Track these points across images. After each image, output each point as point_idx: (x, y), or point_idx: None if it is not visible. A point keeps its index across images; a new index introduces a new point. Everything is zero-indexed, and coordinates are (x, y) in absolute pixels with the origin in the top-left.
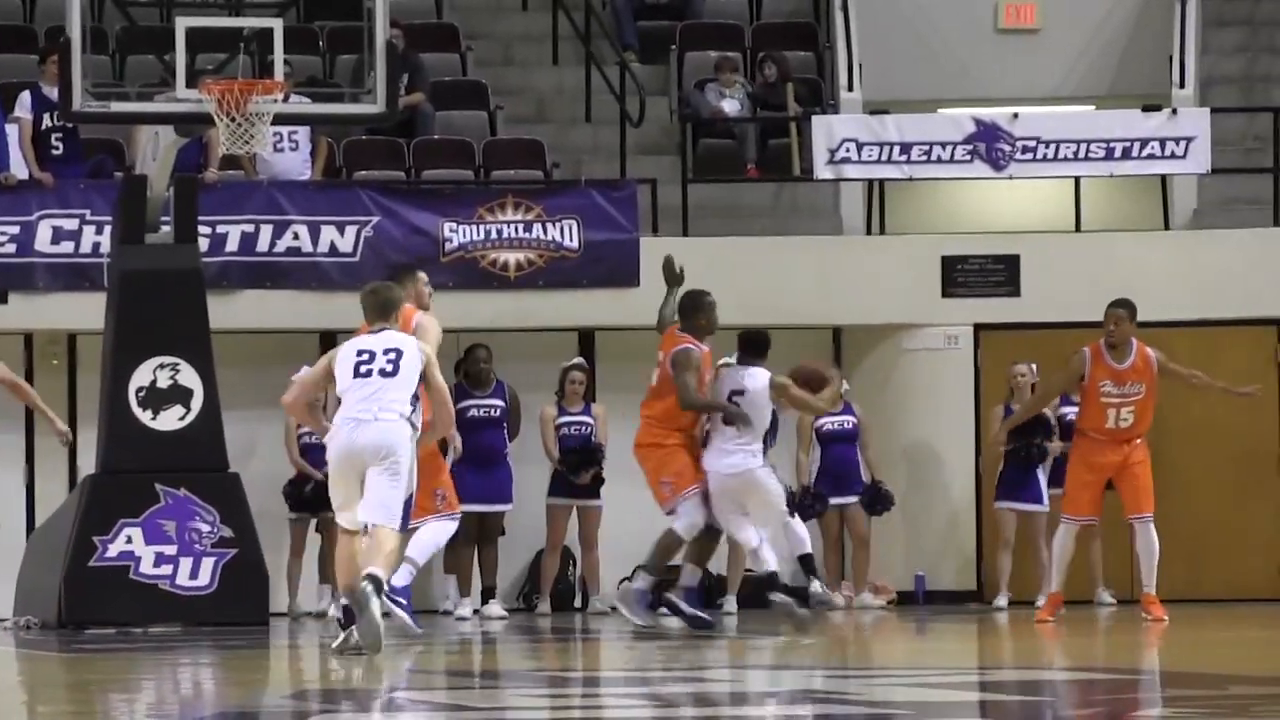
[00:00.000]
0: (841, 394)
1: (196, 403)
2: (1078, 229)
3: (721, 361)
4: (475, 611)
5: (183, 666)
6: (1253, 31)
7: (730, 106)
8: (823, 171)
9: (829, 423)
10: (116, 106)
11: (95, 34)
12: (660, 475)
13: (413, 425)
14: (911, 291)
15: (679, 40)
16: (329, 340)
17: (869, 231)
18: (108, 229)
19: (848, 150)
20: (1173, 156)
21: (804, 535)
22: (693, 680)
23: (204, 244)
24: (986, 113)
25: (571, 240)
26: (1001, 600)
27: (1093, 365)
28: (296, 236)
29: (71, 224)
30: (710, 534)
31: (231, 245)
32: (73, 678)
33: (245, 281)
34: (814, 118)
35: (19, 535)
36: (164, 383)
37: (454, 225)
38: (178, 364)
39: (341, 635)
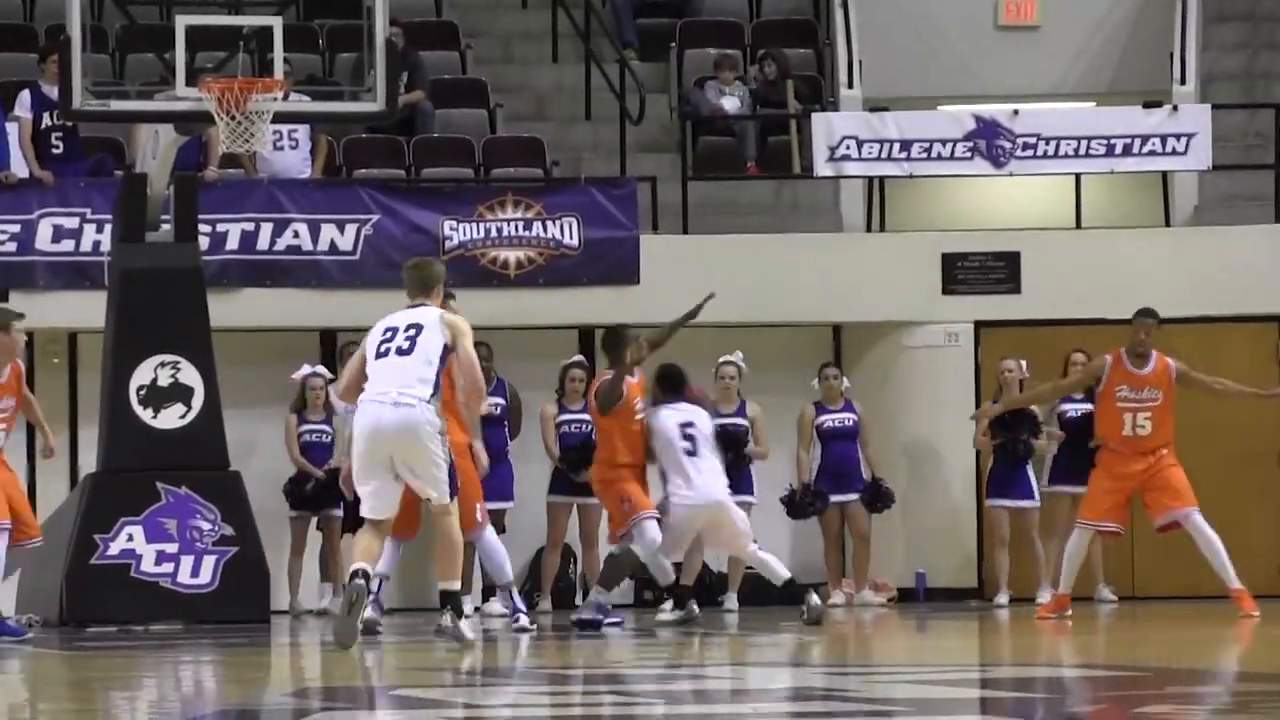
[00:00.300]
0: (843, 391)
1: (197, 401)
2: (1078, 226)
3: (640, 408)
4: (476, 609)
5: (184, 664)
6: (1253, 27)
7: (730, 104)
8: (823, 169)
9: (830, 420)
10: (116, 105)
11: (95, 32)
12: (618, 497)
13: (433, 408)
14: (912, 289)
15: (679, 38)
16: (329, 338)
17: (869, 229)
18: (108, 227)
19: (848, 147)
20: (1173, 153)
21: (775, 562)
22: (694, 678)
23: (204, 242)
24: (987, 110)
25: (571, 238)
26: (1002, 597)
27: (1112, 370)
28: (297, 235)
29: (72, 223)
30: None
31: (232, 244)
32: (74, 675)
33: (245, 280)
34: (814, 115)
35: None
36: (165, 381)
37: (454, 223)
38: (178, 362)
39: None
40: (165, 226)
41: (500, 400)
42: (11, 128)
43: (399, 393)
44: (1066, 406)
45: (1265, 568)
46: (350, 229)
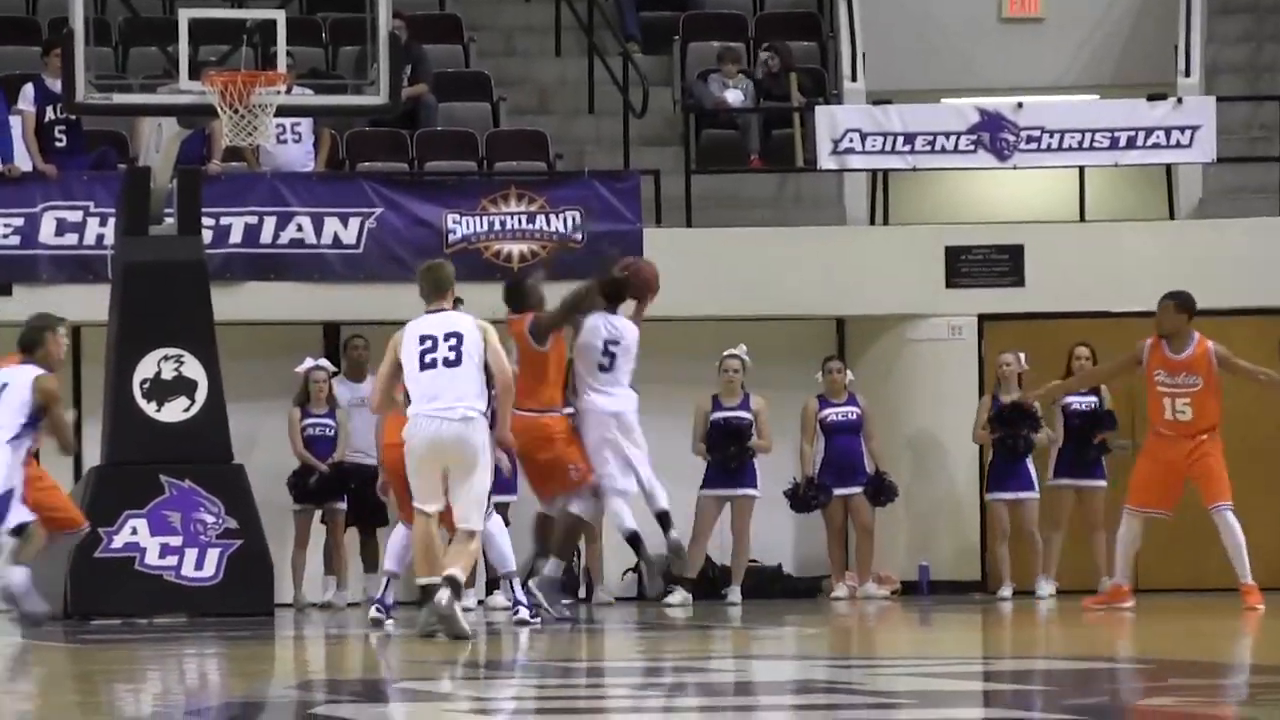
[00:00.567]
0: (846, 384)
1: (201, 394)
2: (1082, 219)
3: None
4: (480, 602)
5: (188, 657)
6: (1258, 19)
7: (733, 97)
8: (826, 162)
9: (833, 413)
10: (119, 98)
11: (98, 25)
12: (566, 462)
13: (486, 418)
14: (915, 282)
15: (682, 31)
16: (333, 332)
17: (873, 222)
18: (111, 221)
19: (851, 141)
20: (1178, 145)
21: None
22: (697, 670)
23: (207, 236)
24: (990, 102)
25: (575, 231)
26: (1005, 590)
27: (1150, 354)
28: (300, 228)
29: (75, 216)
30: (578, 526)
31: (235, 237)
32: (79, 668)
33: (249, 273)
34: (817, 108)
35: None
36: (168, 374)
37: (457, 217)
38: (182, 356)
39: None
40: (168, 220)
41: None
42: (14, 121)
43: (461, 407)
44: (1072, 400)
45: (1271, 558)
46: (353, 222)
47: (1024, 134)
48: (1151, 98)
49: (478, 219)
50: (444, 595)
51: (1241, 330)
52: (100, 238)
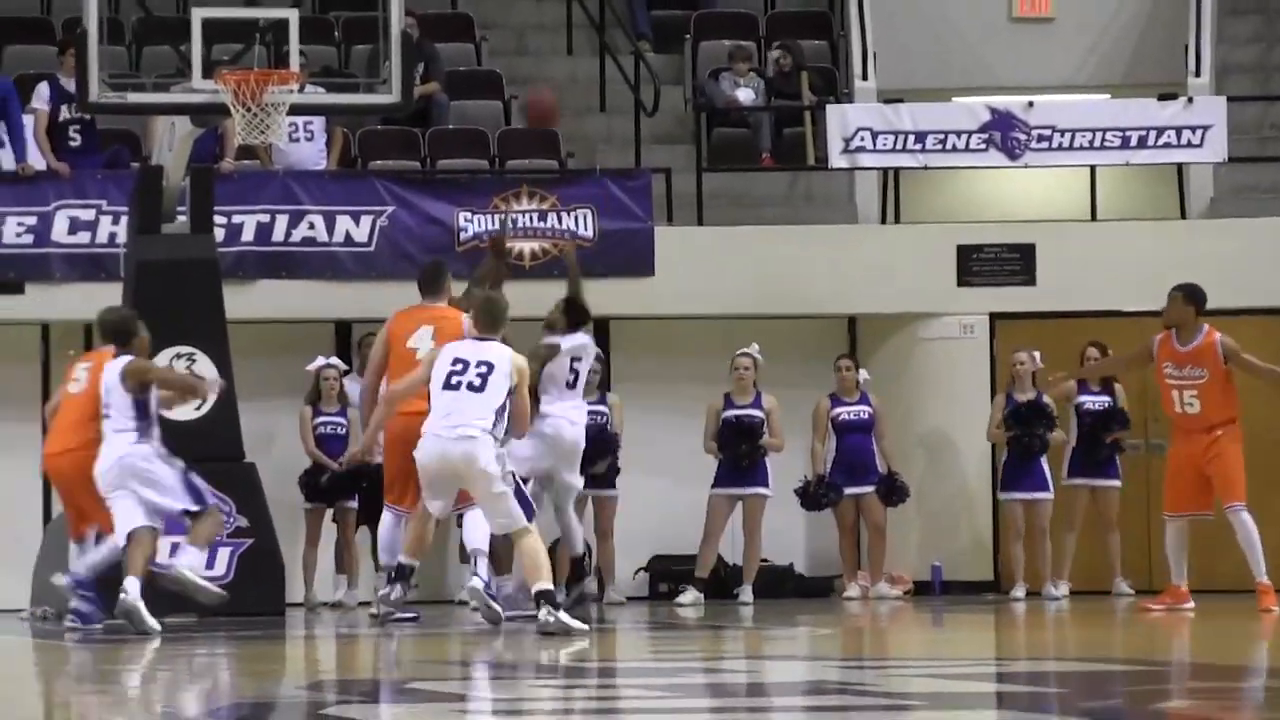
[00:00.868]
0: (860, 384)
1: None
2: (1093, 218)
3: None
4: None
5: (198, 657)
6: (1268, 20)
7: (745, 95)
8: (837, 160)
9: (845, 412)
10: (133, 97)
11: (112, 25)
12: None
13: (494, 437)
14: (927, 280)
15: (693, 29)
16: (344, 329)
17: (884, 220)
18: (124, 219)
19: (862, 139)
20: (1189, 145)
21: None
22: (709, 671)
23: (220, 234)
24: (1001, 101)
25: (586, 229)
26: (1018, 591)
27: (1159, 347)
28: (312, 226)
29: (88, 214)
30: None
31: (247, 235)
32: (88, 668)
33: (261, 271)
34: (828, 107)
35: (36, 527)
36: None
37: (469, 215)
38: (194, 354)
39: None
40: (181, 218)
41: None
42: (28, 120)
43: (463, 424)
44: (1085, 399)
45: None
46: (365, 220)
47: (1035, 133)
48: (1162, 97)
49: (490, 217)
50: (544, 614)
51: (1252, 330)
52: (113, 236)
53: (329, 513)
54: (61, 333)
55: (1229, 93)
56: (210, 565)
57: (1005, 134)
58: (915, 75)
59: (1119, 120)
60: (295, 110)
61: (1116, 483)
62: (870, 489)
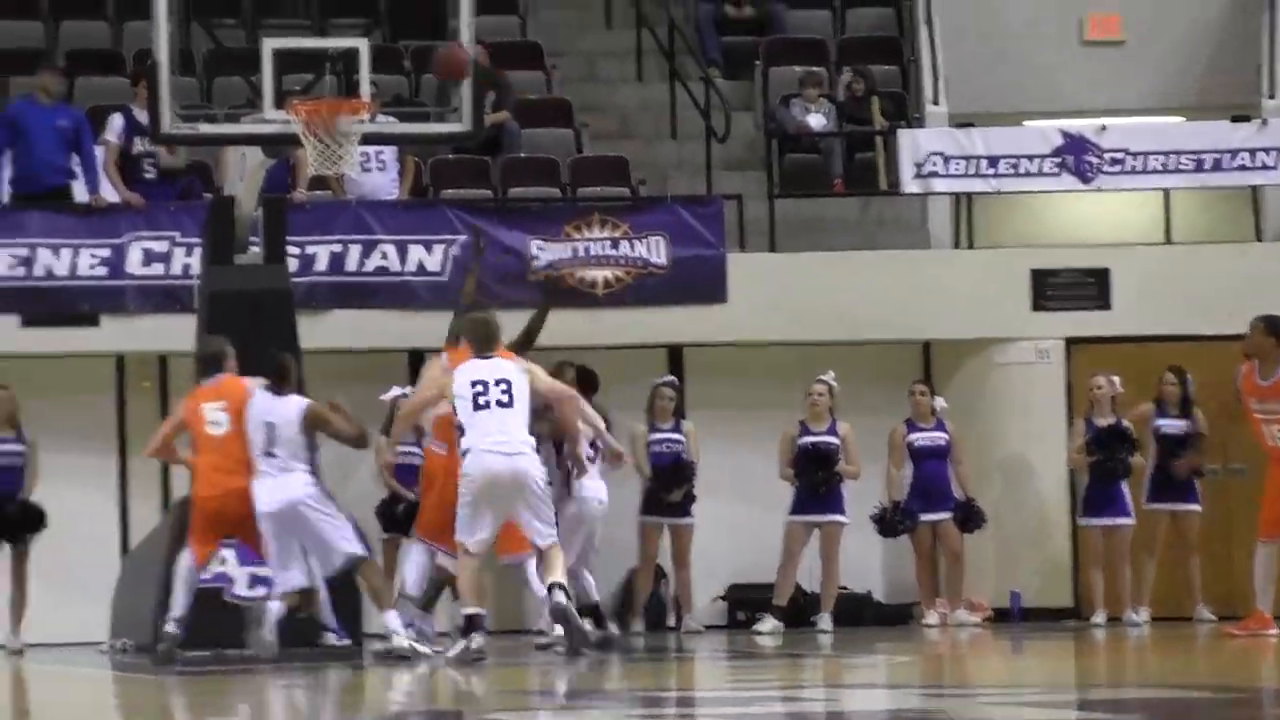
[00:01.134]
0: (934, 409)
1: None
2: (1167, 241)
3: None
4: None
5: (278, 689)
6: None
7: (815, 121)
8: (909, 185)
9: (921, 438)
10: (204, 129)
11: (182, 57)
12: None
13: (541, 458)
14: (1001, 305)
15: (763, 55)
16: (417, 359)
17: (957, 245)
18: (197, 250)
19: (934, 164)
20: (1263, 167)
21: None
22: (788, 700)
23: (293, 264)
24: (1074, 125)
25: (658, 257)
26: (1098, 617)
27: (1243, 380)
28: (385, 256)
29: (162, 246)
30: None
31: (320, 265)
32: (168, 700)
33: (334, 301)
34: (900, 131)
35: (113, 559)
36: None
37: (541, 243)
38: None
39: (461, 644)
40: (254, 249)
41: None
42: (100, 151)
43: (510, 441)
44: (1163, 422)
45: None
46: (438, 249)
47: (1108, 156)
48: (1235, 119)
49: (561, 245)
50: (559, 597)
51: None
52: (186, 267)
53: (404, 543)
54: (136, 364)
55: None
56: None
57: (1078, 157)
58: (987, 99)
59: (1192, 143)
60: (367, 140)
61: (1197, 507)
62: (947, 515)
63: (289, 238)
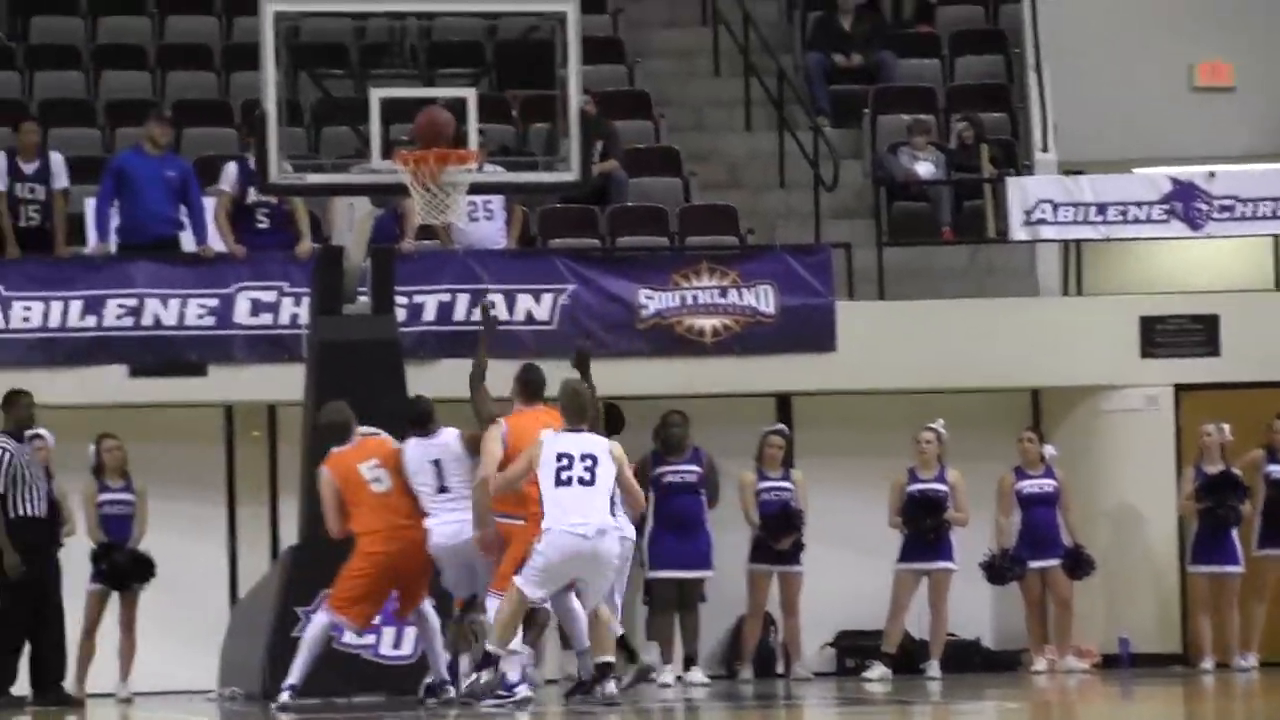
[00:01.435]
0: (1044, 457)
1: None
2: (1277, 287)
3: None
4: (678, 678)
5: None
6: None
7: (924, 169)
8: (1018, 233)
9: (1029, 485)
10: (312, 178)
11: (290, 107)
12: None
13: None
14: (1110, 352)
15: (871, 104)
16: None
17: (1066, 292)
18: (305, 300)
19: (1043, 211)
20: None
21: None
22: None
23: (401, 314)
24: (1183, 172)
25: (767, 305)
26: (1207, 663)
27: None
28: (493, 305)
29: (269, 296)
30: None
31: (429, 315)
32: None
33: (442, 351)
34: (1009, 179)
35: (222, 607)
36: None
37: (649, 292)
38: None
39: (474, 675)
40: (362, 298)
41: (697, 469)
42: (209, 202)
43: (591, 521)
44: (1273, 469)
45: None
46: (546, 299)
47: (1217, 203)
48: None
49: (670, 294)
50: (609, 686)
51: None
52: (294, 317)
53: None
54: (245, 414)
55: None
56: (398, 645)
57: (1187, 204)
58: (1096, 146)
59: None
60: (474, 189)
61: None
62: (1056, 562)
63: (397, 287)
